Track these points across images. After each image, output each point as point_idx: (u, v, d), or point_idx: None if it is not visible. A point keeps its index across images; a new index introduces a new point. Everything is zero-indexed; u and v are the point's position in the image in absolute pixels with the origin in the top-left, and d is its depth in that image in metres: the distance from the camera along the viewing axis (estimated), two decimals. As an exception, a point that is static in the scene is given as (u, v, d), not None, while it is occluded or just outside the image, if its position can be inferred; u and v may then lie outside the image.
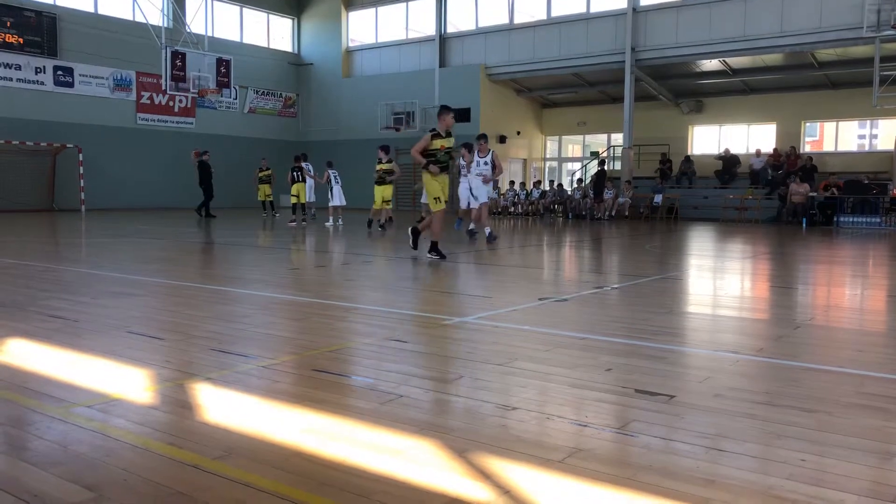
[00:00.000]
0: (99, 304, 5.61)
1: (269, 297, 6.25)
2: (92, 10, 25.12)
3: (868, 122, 23.89)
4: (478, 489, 2.20)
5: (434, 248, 9.21)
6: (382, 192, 15.38)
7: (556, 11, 25.20)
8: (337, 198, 17.61)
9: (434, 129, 9.20)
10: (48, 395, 3.13)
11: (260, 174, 21.83)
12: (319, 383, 3.40)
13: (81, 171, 23.72)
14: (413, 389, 3.29)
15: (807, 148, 24.28)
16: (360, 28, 30.64)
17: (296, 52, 31.89)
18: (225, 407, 3.00)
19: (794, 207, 19.91)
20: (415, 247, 9.71)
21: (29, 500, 2.09)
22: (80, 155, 23.65)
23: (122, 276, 7.47)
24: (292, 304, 5.96)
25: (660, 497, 2.15)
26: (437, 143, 9.10)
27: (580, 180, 25.44)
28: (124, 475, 2.28)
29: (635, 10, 22.93)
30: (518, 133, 28.30)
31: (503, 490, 2.19)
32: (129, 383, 3.34)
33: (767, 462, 2.46)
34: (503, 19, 26.47)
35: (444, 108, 9.33)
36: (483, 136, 13.73)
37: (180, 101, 27.09)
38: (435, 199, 9.24)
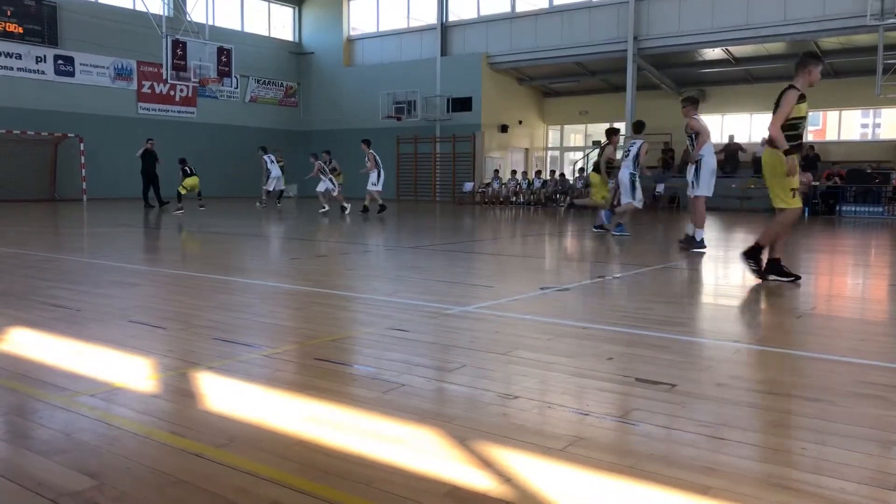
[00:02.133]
0: (100, 294, 5.62)
1: (271, 287, 6.26)
2: (92, -2, 25.06)
3: (871, 111, 23.79)
4: (479, 477, 2.21)
5: (777, 267, 6.53)
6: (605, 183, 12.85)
7: (559, -1, 25.11)
8: (371, 183, 17.42)
9: (794, 86, 6.20)
10: (51, 384, 3.14)
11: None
12: (321, 372, 3.40)
13: (83, 161, 23.71)
14: (415, 378, 3.30)
15: (809, 137, 24.18)
16: (361, 16, 30.51)
17: (297, 41, 31.77)
18: (227, 396, 3.01)
19: (797, 197, 19.86)
20: (761, 271, 6.63)
21: (32, 488, 2.10)
22: (82, 144, 23.63)
23: (124, 266, 7.47)
24: (294, 293, 5.97)
25: (661, 485, 2.16)
26: (802, 109, 6.27)
27: (581, 169, 25.37)
28: (127, 463, 2.29)
29: (638, -2, 22.83)
30: (520, 122, 28.23)
31: (504, 478, 2.20)
32: (132, 372, 3.35)
33: (768, 450, 2.47)
34: (505, 7, 26.34)
35: (813, 57, 6.36)
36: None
37: (181, 90, 27.02)
38: (792, 190, 6.35)
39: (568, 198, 13.29)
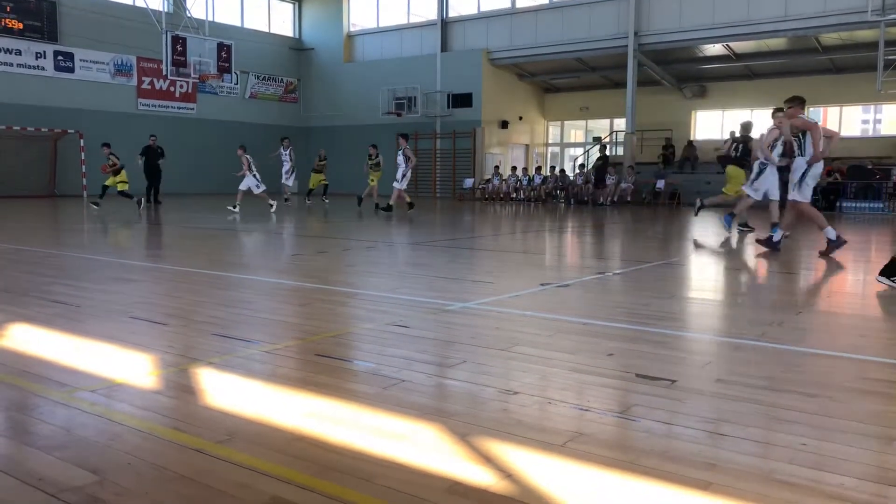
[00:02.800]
0: (101, 290, 5.62)
1: (272, 283, 6.26)
2: (92, -6, 25.02)
3: (872, 106, 23.78)
4: (480, 473, 2.21)
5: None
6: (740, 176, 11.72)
7: (559, -5, 25.06)
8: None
9: None
10: (51, 380, 3.14)
11: (318, 163, 21.45)
12: (322, 368, 3.41)
13: (83, 157, 23.68)
14: (415, 374, 3.30)
15: (810, 133, 24.15)
16: (361, 12, 30.46)
17: (297, 36, 31.73)
18: (228, 391, 3.02)
19: (797, 193, 19.84)
20: None
21: (33, 484, 2.10)
22: (82, 140, 23.61)
23: (124, 262, 7.47)
24: (295, 289, 5.97)
25: (661, 481, 2.16)
26: None
27: (582, 165, 25.37)
28: (128, 459, 2.29)
29: (638, -7, 22.80)
30: (520, 118, 28.20)
31: (505, 473, 2.20)
32: (132, 368, 3.35)
33: (769, 446, 2.47)
34: (505, 3, 26.30)
35: None
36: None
37: (181, 86, 26.99)
38: None
39: (699, 200, 12.16)
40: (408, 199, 16.23)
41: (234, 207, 15.18)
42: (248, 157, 15.54)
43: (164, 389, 3.07)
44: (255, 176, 15.53)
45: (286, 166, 19.31)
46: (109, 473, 2.18)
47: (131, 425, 2.61)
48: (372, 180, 17.71)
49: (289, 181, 19.54)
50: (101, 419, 2.67)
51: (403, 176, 16.08)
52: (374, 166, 17.60)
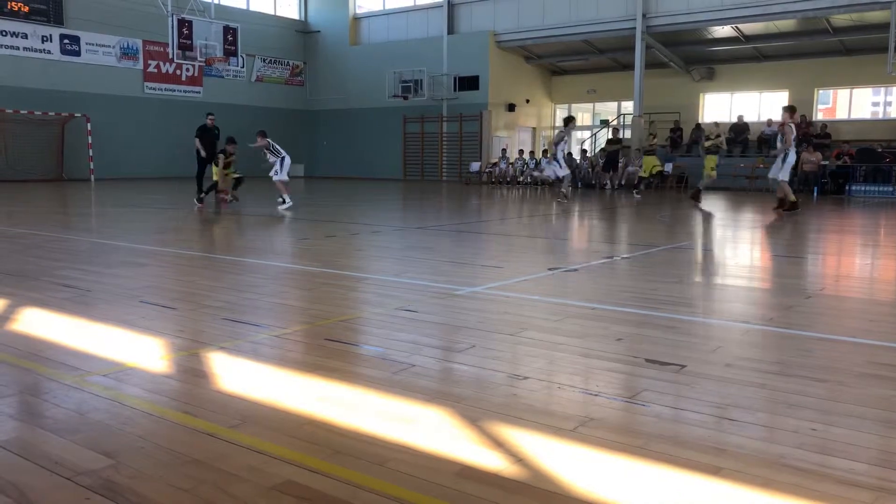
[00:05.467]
0: (111, 274, 5.64)
1: (281, 267, 6.28)
2: (97, -23, 24.90)
3: (882, 89, 23.51)
4: (490, 457, 2.22)
5: None
6: None
7: (566, -24, 24.80)
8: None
9: None
10: (63, 364, 3.16)
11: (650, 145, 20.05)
12: (332, 352, 3.42)
13: (90, 141, 23.70)
14: (424, 359, 3.31)
15: (819, 115, 23.96)
16: (368, -6, 30.29)
17: (303, 19, 31.57)
18: (238, 376, 3.04)
19: (805, 176, 19.72)
20: None
21: (50, 467, 2.13)
22: (89, 124, 23.62)
23: (134, 246, 7.50)
24: (304, 274, 5.98)
25: (671, 465, 2.17)
26: None
27: (585, 150, 25.19)
28: (141, 443, 2.32)
29: (646, -25, 22.55)
30: (527, 101, 28.04)
31: (515, 458, 2.22)
32: (143, 352, 3.37)
33: (778, 431, 2.47)
34: (512, -15, 26.06)
35: None
36: None
37: (187, 69, 26.92)
38: None
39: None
40: (791, 197, 12.51)
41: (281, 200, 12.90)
42: (268, 140, 13.59)
43: (175, 374, 3.09)
44: (280, 161, 13.62)
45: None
46: (123, 457, 2.21)
47: (143, 409, 2.63)
48: (707, 167, 15.42)
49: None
50: (113, 403, 2.69)
51: (785, 162, 12.36)
52: (711, 148, 15.61)
